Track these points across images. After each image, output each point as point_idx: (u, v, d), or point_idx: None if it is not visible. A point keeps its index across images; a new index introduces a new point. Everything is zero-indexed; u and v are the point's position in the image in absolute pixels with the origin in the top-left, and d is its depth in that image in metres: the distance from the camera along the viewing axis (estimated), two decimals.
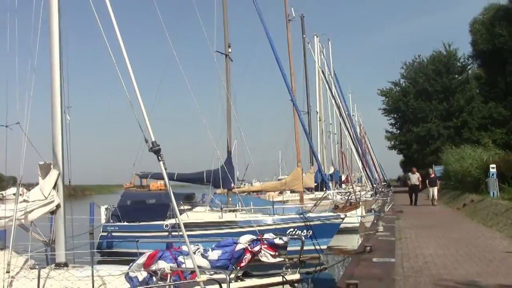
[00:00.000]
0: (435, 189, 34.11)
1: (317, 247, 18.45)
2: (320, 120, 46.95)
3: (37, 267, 9.84)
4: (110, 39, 9.06)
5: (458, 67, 66.97)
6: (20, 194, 10.41)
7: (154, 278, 9.20)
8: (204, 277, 7.86)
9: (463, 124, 61.52)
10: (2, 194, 12.87)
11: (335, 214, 22.20)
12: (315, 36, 45.90)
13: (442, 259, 13.44)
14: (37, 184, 10.76)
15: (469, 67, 67.50)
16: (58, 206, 10.54)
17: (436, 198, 34.45)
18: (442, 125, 63.58)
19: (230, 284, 7.17)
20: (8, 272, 9.36)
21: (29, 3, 10.74)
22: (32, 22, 10.76)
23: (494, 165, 30.06)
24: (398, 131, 72.84)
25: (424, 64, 68.67)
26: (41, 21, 10.72)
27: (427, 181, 34.59)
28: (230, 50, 25.51)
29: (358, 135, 59.05)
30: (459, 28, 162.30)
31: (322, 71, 43.50)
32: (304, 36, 43.59)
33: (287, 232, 18.32)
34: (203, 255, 10.05)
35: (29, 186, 11.12)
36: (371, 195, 36.89)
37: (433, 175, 35.15)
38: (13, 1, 10.58)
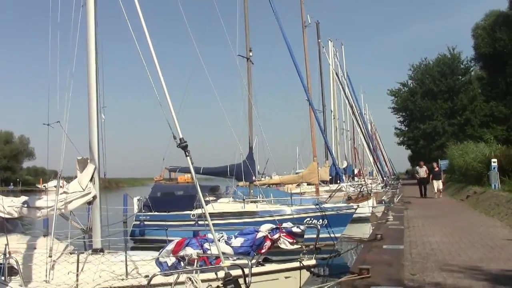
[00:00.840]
0: (440, 182, 33.59)
1: (332, 235, 18.38)
2: (334, 118, 46.85)
3: (76, 252, 9.91)
4: (142, 45, 9.08)
5: (462, 69, 66.63)
6: (61, 186, 10.48)
7: (182, 263, 9.20)
8: (228, 263, 7.84)
9: (466, 122, 61.26)
10: (44, 186, 12.95)
11: (348, 204, 22.15)
12: (329, 41, 45.72)
13: (447, 246, 13.36)
14: (75, 177, 10.83)
15: (471, 69, 67.11)
16: (94, 197, 10.58)
17: (441, 190, 33.83)
18: (447, 122, 63.39)
19: (252, 269, 7.14)
20: (50, 256, 9.42)
21: (68, 12, 10.79)
22: (71, 32, 10.82)
23: (495, 160, 30.04)
24: (406, 128, 72.60)
25: (430, 66, 68.36)
26: (79, 30, 10.80)
27: (431, 175, 34.20)
28: (251, 54, 25.47)
29: (369, 132, 58.77)
30: (462, 33, 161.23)
31: (336, 73, 43.33)
32: (319, 40, 43.59)
33: (304, 221, 18.27)
34: (226, 242, 10.04)
35: (69, 179, 11.18)
36: (382, 187, 36.75)
37: (437, 169, 34.70)
38: (55, 14, 10.63)
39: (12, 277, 8.13)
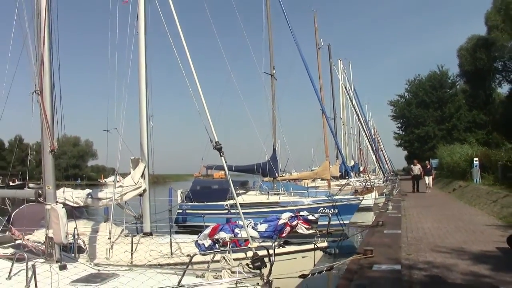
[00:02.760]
0: (430, 178, 33.07)
1: (341, 221, 18.26)
2: (343, 124, 46.85)
3: (130, 235, 9.98)
4: (184, 65, 9.12)
5: (449, 83, 66.37)
6: (118, 181, 10.57)
7: (217, 245, 9.23)
8: (255, 244, 7.82)
9: (453, 127, 61.08)
10: (105, 181, 13.10)
11: (355, 196, 22.01)
12: (339, 60, 45.38)
13: (437, 231, 13.22)
14: (129, 173, 10.91)
15: (457, 83, 66.61)
16: (145, 190, 10.65)
17: (431, 186, 33.08)
18: (437, 128, 63.29)
19: (275, 249, 7.11)
20: (109, 238, 9.51)
21: (124, 39, 10.91)
22: (125, 55, 10.94)
23: (477, 159, 30.15)
24: (403, 133, 72.23)
25: (423, 81, 68.09)
26: (132, 54, 10.93)
27: (423, 171, 33.79)
28: (274, 71, 25.43)
29: (373, 135, 58.15)
30: (449, 53, 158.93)
31: (345, 87, 43.12)
32: (330, 60, 43.36)
33: (318, 211, 18.16)
34: (253, 228, 10.04)
35: (124, 175, 11.27)
36: (383, 182, 36.41)
37: (429, 167, 34.32)
38: (114, 37, 10.75)
39: (80, 255, 8.21)
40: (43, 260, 6.71)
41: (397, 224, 15.08)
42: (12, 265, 6.23)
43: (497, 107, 55.97)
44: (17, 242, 7.58)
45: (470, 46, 55.53)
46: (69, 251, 7.82)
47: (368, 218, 21.97)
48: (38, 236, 8.54)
